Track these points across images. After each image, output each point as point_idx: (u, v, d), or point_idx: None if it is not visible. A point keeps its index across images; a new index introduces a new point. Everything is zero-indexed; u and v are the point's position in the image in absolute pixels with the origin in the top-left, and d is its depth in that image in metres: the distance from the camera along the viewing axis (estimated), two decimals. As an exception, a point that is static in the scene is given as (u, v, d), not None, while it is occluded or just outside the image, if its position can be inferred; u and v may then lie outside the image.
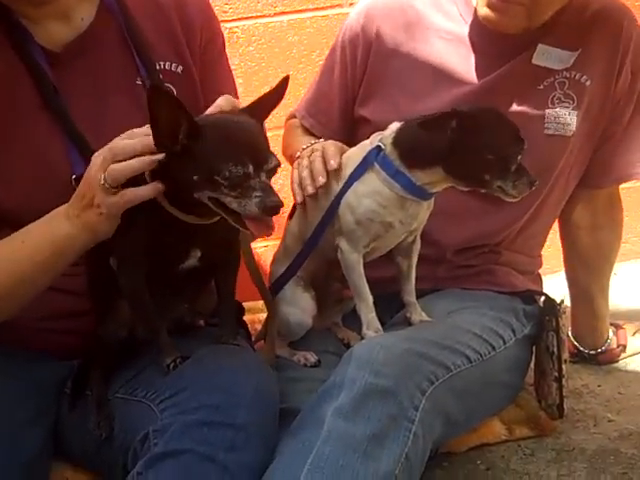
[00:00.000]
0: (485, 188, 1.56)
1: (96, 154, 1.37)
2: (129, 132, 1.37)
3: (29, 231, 1.46)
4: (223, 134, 1.33)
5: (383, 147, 1.59)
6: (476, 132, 1.51)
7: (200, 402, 1.37)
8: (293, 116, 2.07)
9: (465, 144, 1.52)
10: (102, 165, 1.35)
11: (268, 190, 1.30)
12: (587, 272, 2.08)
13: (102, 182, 1.34)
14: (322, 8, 2.58)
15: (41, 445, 1.56)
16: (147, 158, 1.33)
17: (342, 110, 1.95)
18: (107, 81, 1.57)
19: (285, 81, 1.41)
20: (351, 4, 2.55)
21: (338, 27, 2.00)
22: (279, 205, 1.30)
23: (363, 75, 1.90)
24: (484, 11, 1.74)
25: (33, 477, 1.53)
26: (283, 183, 2.08)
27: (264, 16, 2.56)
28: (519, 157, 1.54)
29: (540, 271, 2.07)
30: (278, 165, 1.35)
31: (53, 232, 1.43)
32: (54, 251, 1.44)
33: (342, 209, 1.63)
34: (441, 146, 1.52)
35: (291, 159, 1.89)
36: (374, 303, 1.65)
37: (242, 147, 1.31)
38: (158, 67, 1.61)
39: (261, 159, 1.32)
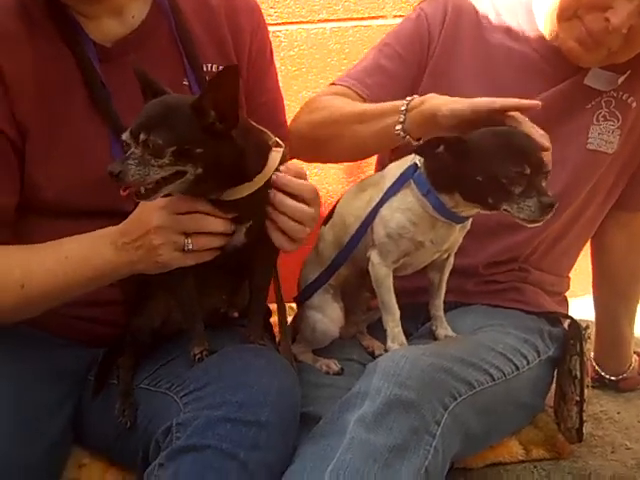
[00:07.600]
0: (497, 211, 1.49)
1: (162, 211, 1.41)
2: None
3: (72, 247, 1.49)
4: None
5: (419, 165, 1.58)
6: (465, 155, 1.47)
7: (224, 398, 1.38)
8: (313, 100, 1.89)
9: (458, 168, 1.49)
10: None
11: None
12: (616, 296, 2.07)
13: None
14: (366, 18, 2.60)
15: (62, 431, 1.58)
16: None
17: (406, 90, 1.81)
18: None
19: (231, 71, 1.34)
20: (395, 16, 2.57)
21: (380, 38, 2.00)
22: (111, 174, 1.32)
23: (425, 68, 1.89)
24: (571, 44, 1.76)
25: (52, 462, 1.56)
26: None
27: (307, 22, 2.59)
28: (520, 179, 1.43)
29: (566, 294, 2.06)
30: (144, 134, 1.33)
31: (96, 256, 1.47)
32: (94, 274, 1.48)
33: (376, 221, 1.63)
34: (447, 172, 1.51)
35: (342, 119, 1.76)
36: (401, 311, 1.65)
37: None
38: (205, 69, 1.63)
39: (135, 131, 1.34)
